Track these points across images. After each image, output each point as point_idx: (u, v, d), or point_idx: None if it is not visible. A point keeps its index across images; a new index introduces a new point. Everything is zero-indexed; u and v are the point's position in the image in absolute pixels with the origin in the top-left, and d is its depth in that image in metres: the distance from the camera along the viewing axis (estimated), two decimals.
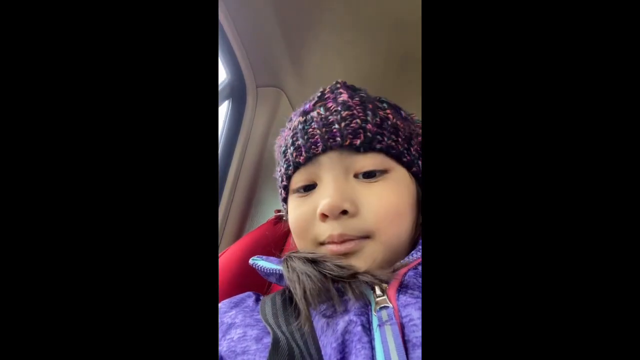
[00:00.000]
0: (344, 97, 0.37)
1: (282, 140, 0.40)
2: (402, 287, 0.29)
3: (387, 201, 0.33)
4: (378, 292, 0.29)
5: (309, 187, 0.36)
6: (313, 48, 0.70)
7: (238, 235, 0.74)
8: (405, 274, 0.30)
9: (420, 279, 0.30)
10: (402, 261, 0.31)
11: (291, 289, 0.31)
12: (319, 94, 0.38)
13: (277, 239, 0.56)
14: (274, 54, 0.69)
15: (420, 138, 0.39)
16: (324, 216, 0.33)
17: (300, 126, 0.36)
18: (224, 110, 0.74)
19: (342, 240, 0.32)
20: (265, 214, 0.81)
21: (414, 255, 0.32)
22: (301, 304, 0.29)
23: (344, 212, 0.32)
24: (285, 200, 0.40)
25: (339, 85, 0.39)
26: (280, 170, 0.39)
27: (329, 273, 0.29)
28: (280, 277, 0.34)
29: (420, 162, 0.38)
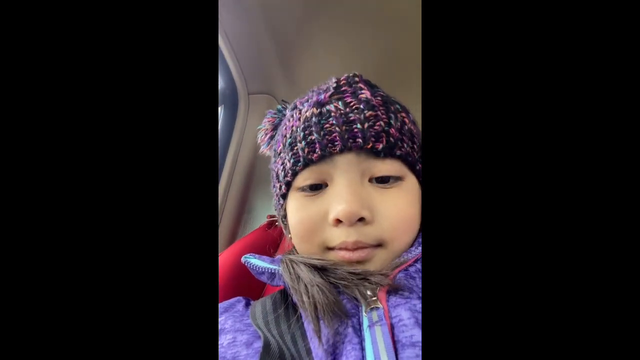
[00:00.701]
0: (366, 94, 0.34)
1: (287, 130, 0.36)
2: (393, 288, 0.29)
3: (402, 210, 0.32)
4: (369, 293, 0.28)
5: (317, 187, 0.34)
6: (304, 55, 0.71)
7: (231, 241, 0.74)
8: (396, 275, 0.30)
9: (410, 280, 0.30)
10: (395, 261, 0.31)
11: (296, 299, 0.30)
12: (334, 85, 0.35)
13: (270, 243, 0.56)
14: (266, 62, 0.70)
15: None
16: (338, 221, 0.31)
17: (315, 119, 0.33)
18: None
19: (356, 248, 0.31)
20: (258, 220, 0.81)
21: (405, 256, 0.32)
22: (311, 319, 0.28)
23: (360, 219, 0.31)
24: (284, 196, 0.37)
25: (357, 79, 0.36)
26: (284, 164, 0.35)
27: (341, 282, 0.28)
28: (272, 276, 0.33)
29: None
